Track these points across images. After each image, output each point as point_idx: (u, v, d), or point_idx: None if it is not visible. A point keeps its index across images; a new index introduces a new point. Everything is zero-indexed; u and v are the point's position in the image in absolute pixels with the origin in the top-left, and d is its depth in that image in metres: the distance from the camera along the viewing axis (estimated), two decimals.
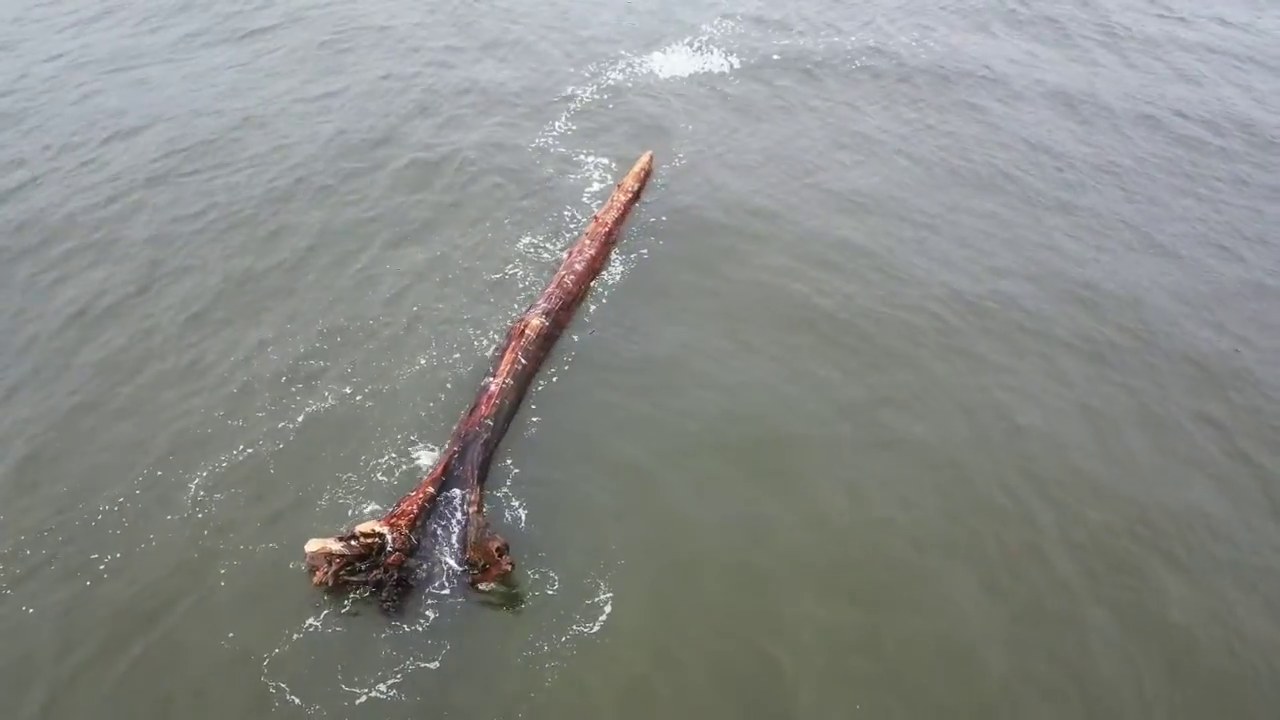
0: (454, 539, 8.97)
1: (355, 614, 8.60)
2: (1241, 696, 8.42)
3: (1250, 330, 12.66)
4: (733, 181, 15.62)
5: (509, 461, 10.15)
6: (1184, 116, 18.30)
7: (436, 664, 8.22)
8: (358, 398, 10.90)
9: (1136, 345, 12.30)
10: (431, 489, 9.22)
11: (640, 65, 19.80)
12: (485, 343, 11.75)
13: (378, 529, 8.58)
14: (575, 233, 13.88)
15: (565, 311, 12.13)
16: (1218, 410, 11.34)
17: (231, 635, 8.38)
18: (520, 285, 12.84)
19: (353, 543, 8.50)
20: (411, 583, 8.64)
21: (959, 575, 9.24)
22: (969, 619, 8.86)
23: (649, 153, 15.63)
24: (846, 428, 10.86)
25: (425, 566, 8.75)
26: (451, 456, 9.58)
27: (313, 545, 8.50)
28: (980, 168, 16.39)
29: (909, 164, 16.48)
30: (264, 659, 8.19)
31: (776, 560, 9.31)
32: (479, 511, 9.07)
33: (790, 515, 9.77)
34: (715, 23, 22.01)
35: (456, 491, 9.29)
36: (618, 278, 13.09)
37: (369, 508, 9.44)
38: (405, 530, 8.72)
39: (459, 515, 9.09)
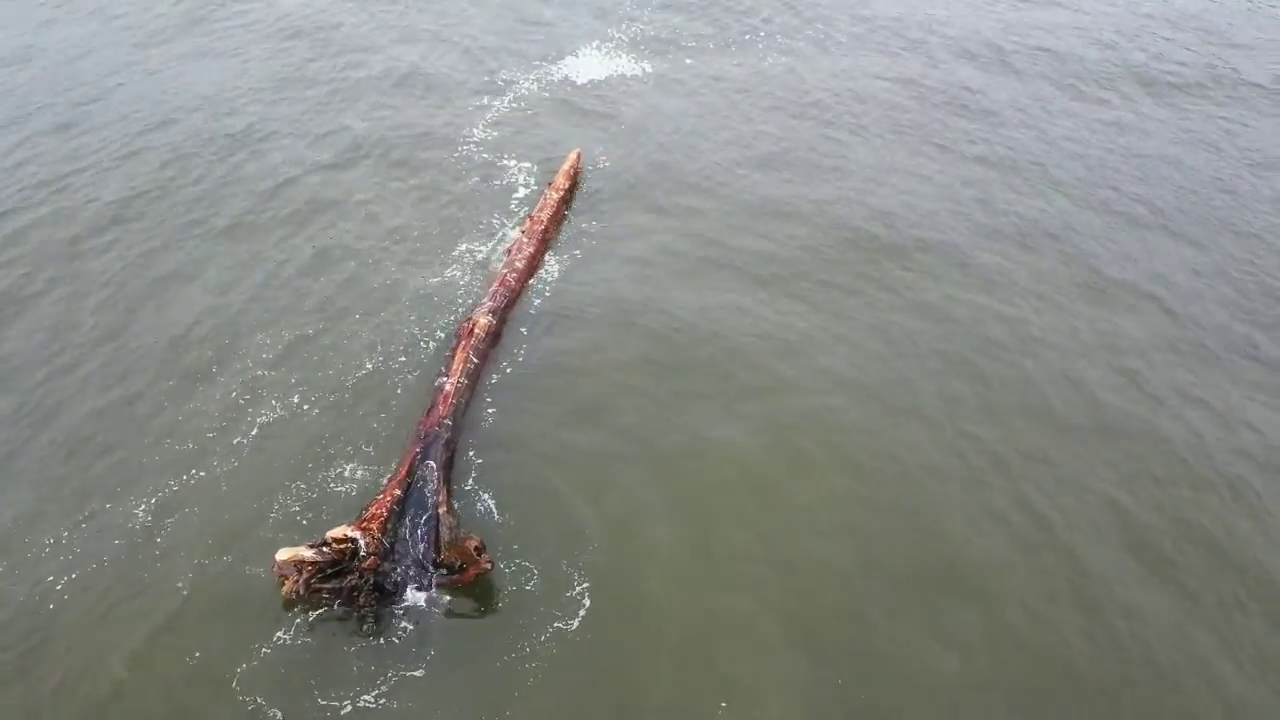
0: (426, 542, 8.71)
1: (324, 624, 8.32)
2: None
3: (1169, 269, 13.26)
4: (666, 163, 15.70)
5: (471, 454, 9.99)
6: (1090, 72, 19.07)
7: (421, 671, 8.00)
8: (305, 407, 10.55)
9: (1069, 288, 12.80)
10: (398, 491, 8.97)
11: (561, 64, 19.56)
12: (431, 344, 11.52)
13: (350, 533, 8.29)
14: (508, 233, 13.73)
15: (509, 308, 12.04)
16: (1148, 346, 11.83)
17: (198, 654, 8.02)
18: (459, 286, 12.62)
19: (324, 549, 8.19)
20: (387, 587, 8.38)
21: (945, 508, 9.57)
22: (968, 555, 9.17)
23: (577, 150, 15.57)
24: (807, 381, 11.10)
25: (400, 570, 8.49)
26: (414, 458, 9.34)
27: (283, 554, 8.16)
28: (907, 127, 16.88)
29: (838, 130, 16.82)
30: (233, 676, 7.86)
31: (756, 520, 9.44)
32: (449, 511, 8.86)
33: (762, 472, 9.93)
34: (632, 17, 21.91)
35: (424, 490, 9.04)
36: (556, 273, 13.01)
37: (327, 517, 9.12)
38: (377, 534, 8.46)
39: (429, 516, 8.84)
